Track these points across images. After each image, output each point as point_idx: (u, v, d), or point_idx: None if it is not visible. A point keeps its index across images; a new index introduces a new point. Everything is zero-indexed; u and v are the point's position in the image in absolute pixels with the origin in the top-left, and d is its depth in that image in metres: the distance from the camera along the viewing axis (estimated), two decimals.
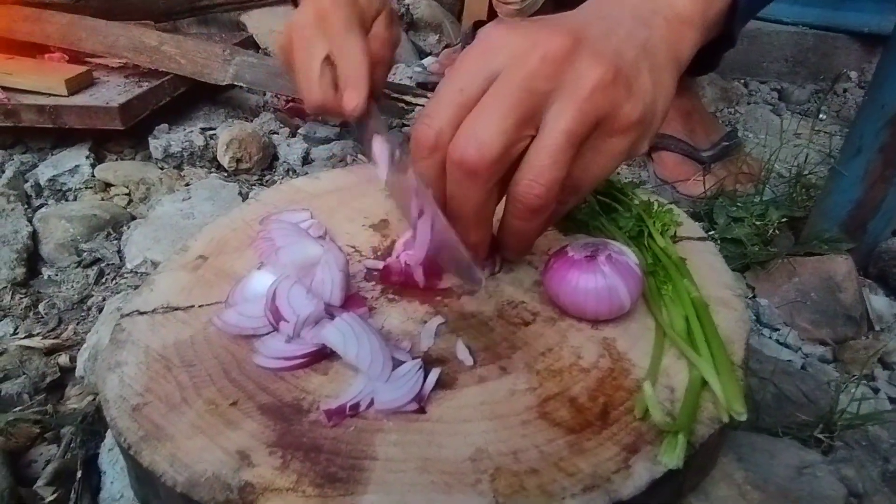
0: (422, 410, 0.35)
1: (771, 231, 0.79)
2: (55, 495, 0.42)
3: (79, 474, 0.43)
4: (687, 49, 0.44)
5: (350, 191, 0.62)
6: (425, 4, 1.57)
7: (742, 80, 1.49)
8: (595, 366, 0.39)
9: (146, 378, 0.37)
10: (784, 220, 0.77)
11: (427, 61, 1.41)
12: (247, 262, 0.48)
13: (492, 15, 1.34)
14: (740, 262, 0.75)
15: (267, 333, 0.39)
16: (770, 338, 0.65)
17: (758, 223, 0.80)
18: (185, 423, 0.34)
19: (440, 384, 0.36)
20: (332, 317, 0.39)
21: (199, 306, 0.43)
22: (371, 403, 0.35)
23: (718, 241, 0.79)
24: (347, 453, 0.32)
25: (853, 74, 1.48)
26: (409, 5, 1.56)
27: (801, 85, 1.48)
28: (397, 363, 0.37)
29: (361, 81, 0.58)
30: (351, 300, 0.42)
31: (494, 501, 0.30)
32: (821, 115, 1.35)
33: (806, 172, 0.87)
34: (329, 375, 0.37)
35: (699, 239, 0.57)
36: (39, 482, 0.43)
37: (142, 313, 0.42)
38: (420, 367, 0.36)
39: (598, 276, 0.41)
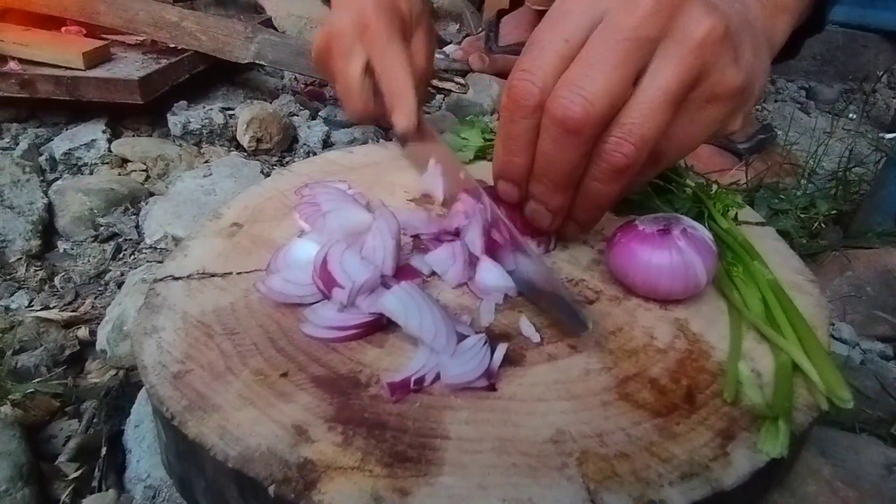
0: (492, 387, 0.31)
1: (817, 223, 0.76)
2: (79, 472, 0.38)
3: (103, 451, 0.40)
4: (780, 34, 0.42)
5: (386, 165, 0.59)
6: None
7: (770, 78, 1.46)
8: (671, 347, 0.36)
9: (186, 345, 0.34)
10: (833, 212, 0.74)
11: (449, 49, 1.38)
12: (285, 230, 0.45)
13: (514, 4, 1.31)
14: None
15: (315, 302, 0.36)
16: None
17: (803, 216, 0.77)
18: (233, 394, 0.30)
19: (507, 361, 0.33)
20: (386, 286, 0.36)
21: (238, 273, 0.40)
22: (436, 378, 0.31)
23: None
24: (415, 431, 0.29)
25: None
26: None
27: (829, 84, 1.46)
28: (461, 337, 0.34)
29: (409, 100, 0.54)
30: (403, 271, 0.39)
31: (584, 487, 0.26)
32: (850, 115, 1.32)
33: (852, 165, 0.83)
34: (385, 348, 0.34)
35: (758, 224, 0.54)
36: (62, 458, 0.40)
37: (176, 279, 0.39)
38: (486, 342, 0.33)
39: (674, 251, 0.38)
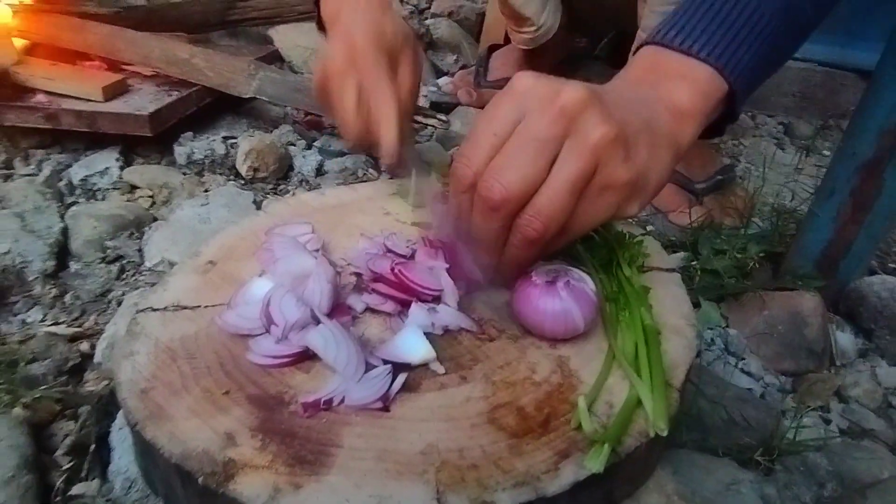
0: (386, 409, 0.40)
1: (751, 265, 0.83)
2: (71, 464, 0.48)
3: (92, 448, 0.49)
4: (686, 137, 0.49)
5: (350, 206, 0.68)
6: (445, 25, 1.63)
7: (749, 113, 1.51)
8: (546, 380, 0.44)
9: (154, 366, 0.43)
10: (762, 254, 0.81)
11: (442, 81, 1.47)
12: (251, 269, 0.54)
13: (508, 39, 1.40)
14: (716, 293, 0.79)
15: (261, 334, 0.45)
16: (735, 366, 0.69)
17: (739, 256, 0.84)
18: (184, 407, 0.39)
19: (405, 387, 0.42)
20: (318, 322, 0.44)
21: (205, 307, 0.49)
22: (343, 400, 0.40)
23: (699, 272, 0.83)
24: (317, 440, 0.37)
25: None
26: (429, 26, 1.62)
27: (807, 120, 1.51)
28: (370, 367, 0.42)
29: (392, 130, 0.63)
30: (337, 309, 0.48)
31: (436, 489, 0.35)
32: (824, 152, 1.37)
33: (793, 208, 0.90)
34: (310, 374, 0.43)
35: (667, 270, 0.62)
36: (58, 452, 0.49)
37: (155, 310, 0.48)
38: (389, 372, 0.42)
39: (556, 299, 0.46)
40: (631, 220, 0.96)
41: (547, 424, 0.40)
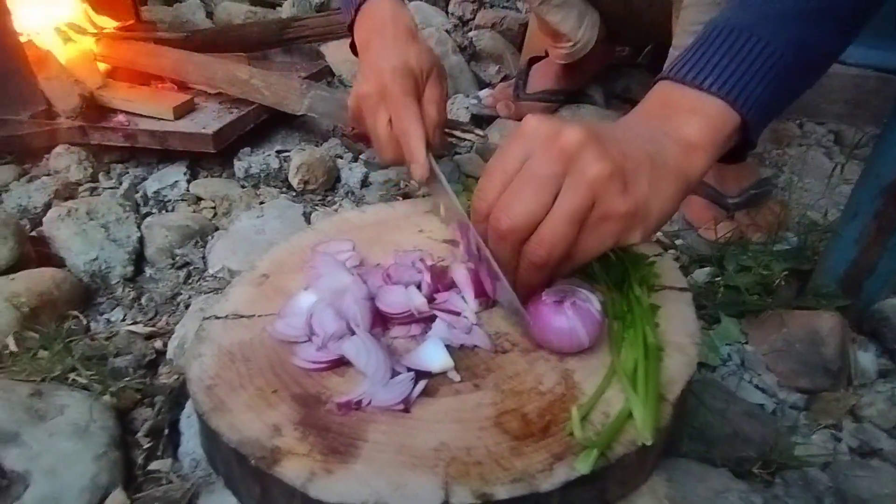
0: (407, 410, 0.47)
1: (777, 282, 0.84)
2: (149, 445, 0.57)
3: (165, 432, 0.58)
4: (697, 169, 0.52)
5: (388, 224, 0.74)
6: (489, 36, 1.68)
7: (797, 121, 1.47)
8: (551, 391, 0.49)
9: (217, 366, 0.51)
10: (786, 272, 0.82)
11: (483, 93, 1.51)
12: (298, 282, 0.62)
13: (548, 52, 1.43)
14: (738, 309, 0.81)
15: (305, 341, 0.53)
16: (750, 381, 0.71)
17: (764, 273, 0.85)
18: (241, 402, 0.47)
19: (425, 392, 0.48)
20: (352, 333, 0.52)
21: (259, 316, 0.57)
22: (370, 401, 0.47)
23: (722, 287, 0.85)
24: (348, 434, 0.45)
25: None
26: (472, 38, 1.68)
27: (859, 128, 1.45)
28: (396, 373, 0.49)
29: (421, 154, 0.70)
30: (375, 320, 0.55)
31: (444, 480, 0.41)
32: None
33: (826, 224, 0.90)
34: (345, 378, 0.50)
35: (680, 289, 0.66)
36: (139, 434, 0.59)
37: (217, 318, 0.57)
38: (412, 378, 0.48)
39: (563, 317, 0.52)
40: (659, 235, 0.99)
41: (547, 430, 0.45)
